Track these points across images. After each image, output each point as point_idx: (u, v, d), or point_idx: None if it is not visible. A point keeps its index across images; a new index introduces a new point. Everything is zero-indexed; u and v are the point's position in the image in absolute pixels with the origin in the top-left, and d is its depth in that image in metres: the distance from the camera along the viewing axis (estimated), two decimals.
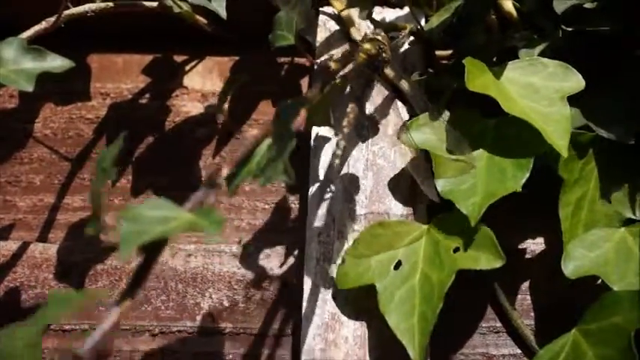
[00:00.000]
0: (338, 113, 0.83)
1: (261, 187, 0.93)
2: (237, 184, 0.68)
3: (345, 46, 0.90)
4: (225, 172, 0.68)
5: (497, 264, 0.78)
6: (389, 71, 0.86)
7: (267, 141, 0.69)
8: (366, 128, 0.88)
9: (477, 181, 0.81)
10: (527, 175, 0.79)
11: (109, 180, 0.64)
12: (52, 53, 0.81)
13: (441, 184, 0.81)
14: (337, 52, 0.90)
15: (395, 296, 0.79)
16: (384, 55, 0.82)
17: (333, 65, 0.81)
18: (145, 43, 1.00)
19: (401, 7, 0.92)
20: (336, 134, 0.85)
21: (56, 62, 0.81)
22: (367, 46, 0.82)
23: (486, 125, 0.84)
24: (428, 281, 0.78)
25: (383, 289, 0.79)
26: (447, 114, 0.83)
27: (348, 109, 0.81)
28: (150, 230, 0.60)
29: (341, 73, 0.82)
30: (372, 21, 0.88)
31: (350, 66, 0.83)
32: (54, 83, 0.95)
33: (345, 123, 0.81)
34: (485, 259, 0.78)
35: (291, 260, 0.90)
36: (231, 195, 0.69)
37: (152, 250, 0.62)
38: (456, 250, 0.79)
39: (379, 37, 0.83)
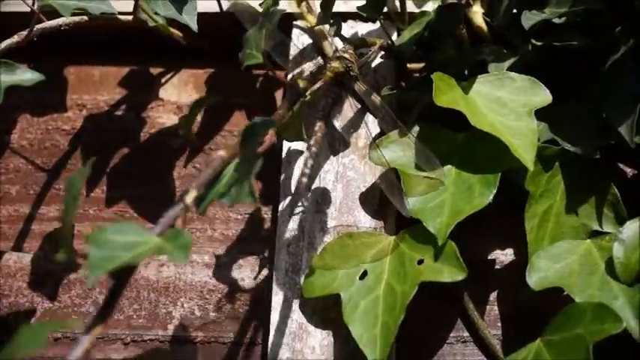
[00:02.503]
0: (308, 128, 0.85)
1: None
2: (205, 205, 0.69)
3: (315, 62, 0.91)
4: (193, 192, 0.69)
5: (460, 277, 0.79)
6: (359, 86, 0.87)
7: (235, 162, 0.71)
8: (337, 142, 0.89)
9: (444, 198, 0.82)
10: (494, 191, 0.81)
11: (77, 206, 0.64)
12: (21, 66, 0.82)
13: (410, 203, 0.82)
14: (307, 68, 0.91)
15: (359, 306, 0.79)
16: (351, 72, 0.84)
17: (301, 83, 0.83)
18: (122, 55, 1.01)
19: (373, 22, 0.93)
20: (307, 148, 0.86)
21: (26, 75, 0.82)
22: (335, 64, 0.84)
23: (455, 140, 0.85)
24: (392, 292, 0.79)
25: (348, 298, 0.80)
26: (416, 130, 0.84)
27: (316, 127, 0.82)
28: (117, 256, 0.60)
29: (310, 89, 0.84)
30: (341, 37, 0.89)
31: (319, 83, 0.84)
32: (31, 94, 0.97)
33: (312, 141, 0.82)
34: (448, 272, 0.79)
35: (262, 270, 0.91)
36: (201, 214, 0.70)
37: (121, 275, 0.63)
38: (421, 262, 0.80)
39: (346, 55, 0.84)
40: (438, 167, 0.81)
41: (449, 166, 0.83)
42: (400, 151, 0.83)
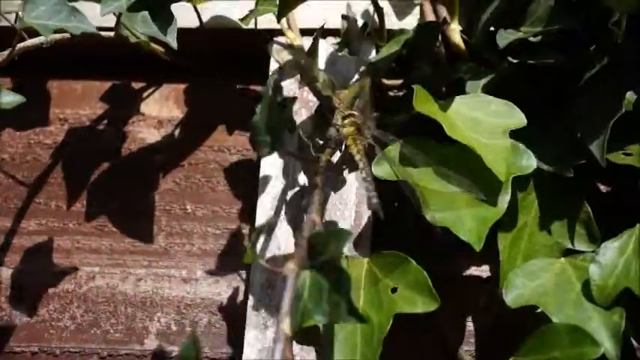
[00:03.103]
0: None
1: (212, 213, 0.95)
2: (298, 326, 0.68)
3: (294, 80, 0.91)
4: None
5: (433, 307, 0.78)
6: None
7: (306, 274, 0.69)
8: None
9: (462, 209, 0.81)
10: (509, 195, 0.80)
11: None
12: (3, 89, 0.83)
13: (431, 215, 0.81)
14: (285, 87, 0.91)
15: (339, 333, 0.79)
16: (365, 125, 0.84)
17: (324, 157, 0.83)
18: (104, 69, 1.02)
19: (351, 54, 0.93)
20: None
21: (7, 98, 0.83)
22: (348, 129, 0.84)
23: (447, 150, 0.85)
24: (368, 322, 0.79)
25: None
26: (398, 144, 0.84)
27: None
28: None
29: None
30: (334, 93, 0.89)
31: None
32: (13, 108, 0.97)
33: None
34: (421, 303, 0.78)
35: (239, 286, 0.92)
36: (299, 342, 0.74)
37: None
38: (394, 290, 0.79)
39: (355, 113, 0.84)
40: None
41: None
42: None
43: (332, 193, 0.88)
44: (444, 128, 0.80)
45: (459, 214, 0.81)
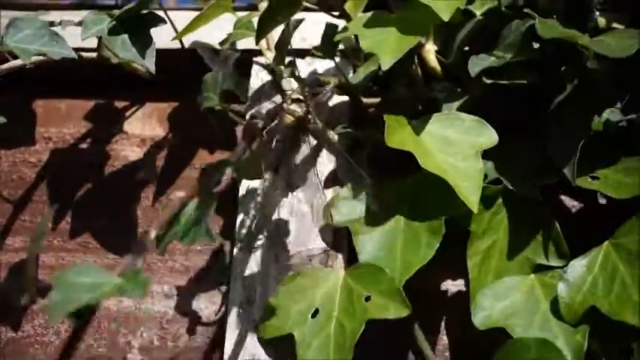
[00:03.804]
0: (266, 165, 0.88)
1: None
2: (164, 244, 0.74)
3: (273, 101, 0.93)
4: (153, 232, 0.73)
5: (404, 313, 0.81)
6: (315, 127, 0.89)
7: (194, 202, 0.74)
8: (293, 177, 0.91)
9: (396, 249, 0.85)
10: (440, 240, 0.83)
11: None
12: None
13: (365, 250, 0.85)
14: (265, 107, 0.93)
15: (312, 345, 0.82)
16: (309, 116, 0.86)
17: (259, 123, 0.85)
18: (88, 89, 1.04)
19: (330, 59, 0.95)
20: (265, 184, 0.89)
21: None
22: (293, 107, 0.86)
23: (404, 186, 0.87)
24: (342, 330, 0.81)
25: (301, 338, 0.82)
26: (369, 182, 0.86)
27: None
28: (78, 298, 0.64)
29: (267, 129, 0.86)
30: (296, 77, 0.92)
31: (276, 121, 0.87)
32: None
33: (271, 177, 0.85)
34: (393, 309, 0.81)
35: (220, 302, 0.94)
36: (161, 254, 0.73)
37: (82, 314, 0.66)
38: (368, 298, 0.82)
39: (301, 97, 0.86)
40: (365, 182, 0.84)
41: (398, 217, 0.86)
42: (351, 209, 0.87)
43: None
44: (417, 158, 0.81)
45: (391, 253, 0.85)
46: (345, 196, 0.87)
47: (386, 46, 0.80)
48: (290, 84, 0.92)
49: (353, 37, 0.95)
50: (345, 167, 0.86)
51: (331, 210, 0.87)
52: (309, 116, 0.86)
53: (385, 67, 0.79)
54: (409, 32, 0.81)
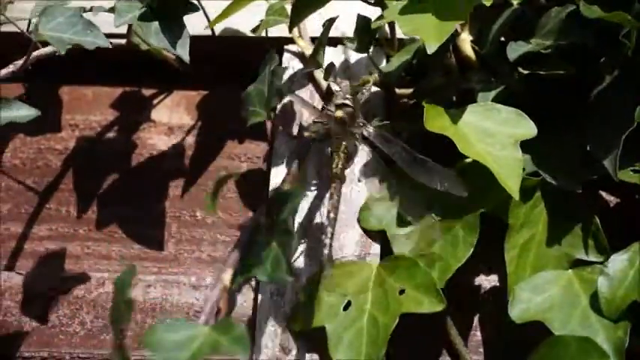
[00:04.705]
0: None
1: (221, 220, 0.96)
2: (241, 281, 0.73)
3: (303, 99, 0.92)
4: None
5: (439, 308, 0.80)
6: (358, 126, 0.87)
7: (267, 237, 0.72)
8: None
9: (434, 251, 0.84)
10: (477, 236, 0.83)
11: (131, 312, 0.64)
12: (17, 102, 0.84)
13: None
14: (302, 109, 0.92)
15: (344, 339, 0.81)
16: (358, 120, 0.85)
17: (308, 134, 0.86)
18: (115, 75, 1.03)
19: (361, 52, 0.94)
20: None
21: (21, 111, 0.84)
22: (339, 113, 0.85)
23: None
24: (375, 323, 0.80)
25: (332, 331, 0.81)
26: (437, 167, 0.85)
27: (332, 189, 0.84)
28: (178, 358, 0.61)
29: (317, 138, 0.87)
30: (335, 81, 0.90)
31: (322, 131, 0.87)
32: None
33: (329, 206, 0.83)
34: (427, 303, 0.80)
35: (248, 293, 0.92)
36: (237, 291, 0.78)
37: None
38: (402, 292, 0.81)
39: (348, 102, 0.85)
40: (434, 167, 0.82)
41: (434, 214, 0.85)
42: (385, 211, 0.86)
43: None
44: (456, 144, 0.81)
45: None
46: (379, 197, 0.86)
47: (428, 30, 0.78)
48: (322, 74, 0.90)
49: (387, 26, 0.94)
50: (409, 161, 0.84)
51: (366, 212, 0.87)
52: (358, 119, 0.85)
53: (431, 50, 0.78)
54: (448, 17, 0.79)
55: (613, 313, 0.78)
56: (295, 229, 0.71)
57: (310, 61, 0.90)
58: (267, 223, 0.72)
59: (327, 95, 0.88)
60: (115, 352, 0.64)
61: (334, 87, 0.89)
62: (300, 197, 0.73)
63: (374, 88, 0.93)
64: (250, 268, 0.71)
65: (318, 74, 0.93)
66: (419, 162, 0.83)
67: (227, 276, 0.70)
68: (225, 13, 0.92)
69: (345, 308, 0.82)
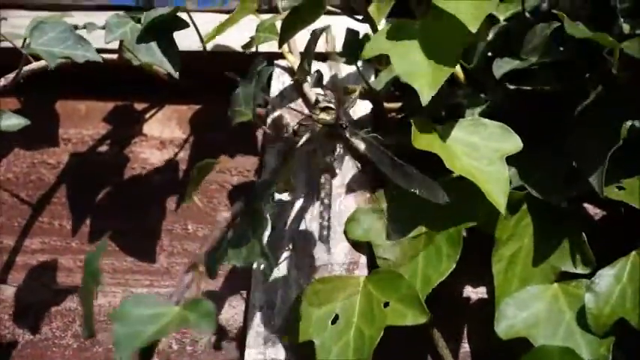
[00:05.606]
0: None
1: None
2: (215, 268, 0.73)
3: (291, 107, 0.93)
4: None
5: (422, 320, 0.81)
6: (342, 131, 0.88)
7: (239, 221, 0.74)
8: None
9: (416, 262, 0.85)
10: (459, 251, 0.84)
11: (97, 285, 0.66)
12: (7, 112, 0.85)
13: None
14: (285, 112, 0.93)
15: (332, 352, 0.81)
16: (340, 122, 0.86)
17: (294, 137, 0.86)
18: (107, 90, 1.04)
19: (350, 64, 0.95)
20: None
21: (11, 121, 0.85)
22: (322, 116, 0.86)
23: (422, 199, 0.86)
24: (361, 336, 0.81)
25: (321, 345, 0.82)
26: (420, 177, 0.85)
27: (322, 180, 0.85)
28: (143, 332, 0.61)
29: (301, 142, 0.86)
30: (321, 84, 0.91)
31: (308, 134, 0.87)
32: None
33: (323, 194, 0.84)
34: (411, 316, 0.81)
35: (239, 305, 0.93)
36: (212, 278, 0.73)
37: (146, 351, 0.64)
38: (386, 304, 0.82)
39: (331, 105, 0.86)
40: (415, 176, 0.83)
41: (419, 228, 0.86)
42: (370, 223, 0.87)
43: None
44: (444, 161, 0.81)
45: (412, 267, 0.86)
46: (367, 209, 0.87)
47: (422, 77, 0.80)
48: (311, 89, 0.91)
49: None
50: (390, 166, 0.84)
51: (352, 223, 0.88)
52: (341, 122, 0.86)
53: (425, 101, 0.80)
54: (441, 60, 0.81)
55: (600, 329, 0.79)
56: (269, 218, 0.73)
57: (297, 72, 0.91)
58: (245, 211, 0.74)
59: (314, 103, 0.88)
60: (83, 325, 0.65)
61: (319, 91, 0.89)
62: (273, 186, 0.76)
63: (362, 103, 0.94)
64: (225, 252, 0.72)
65: (306, 86, 0.93)
66: (399, 167, 0.84)
67: (201, 259, 0.71)
68: (219, 30, 0.93)
69: (334, 322, 0.83)
